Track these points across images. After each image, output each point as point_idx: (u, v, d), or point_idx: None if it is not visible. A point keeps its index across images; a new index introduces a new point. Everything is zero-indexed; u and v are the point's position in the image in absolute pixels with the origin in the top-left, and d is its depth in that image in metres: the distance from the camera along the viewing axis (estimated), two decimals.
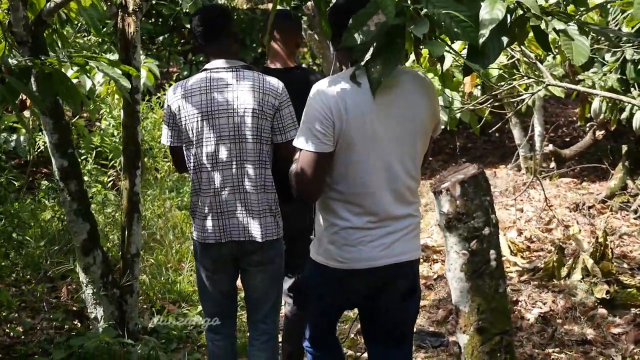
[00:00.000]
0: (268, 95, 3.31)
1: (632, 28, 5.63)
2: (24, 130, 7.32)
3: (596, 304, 5.18)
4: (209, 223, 3.34)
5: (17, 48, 3.75)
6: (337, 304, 3.08)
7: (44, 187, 6.93)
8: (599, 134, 8.81)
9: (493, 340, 2.12)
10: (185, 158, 3.42)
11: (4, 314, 4.47)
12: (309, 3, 8.96)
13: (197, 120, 3.29)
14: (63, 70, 3.21)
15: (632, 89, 7.05)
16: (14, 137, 7.30)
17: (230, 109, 3.28)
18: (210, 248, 3.37)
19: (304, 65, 3.94)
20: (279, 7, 8.80)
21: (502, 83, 5.24)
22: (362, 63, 2.62)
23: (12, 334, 4.31)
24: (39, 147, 7.30)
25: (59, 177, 3.91)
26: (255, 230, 3.32)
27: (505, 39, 2.60)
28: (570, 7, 3.81)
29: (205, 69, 3.36)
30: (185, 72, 10.43)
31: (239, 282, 3.57)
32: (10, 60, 2.91)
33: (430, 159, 6.70)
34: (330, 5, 2.92)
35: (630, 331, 4.79)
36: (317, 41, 8.76)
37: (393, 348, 3.09)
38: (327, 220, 2.84)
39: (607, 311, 5.10)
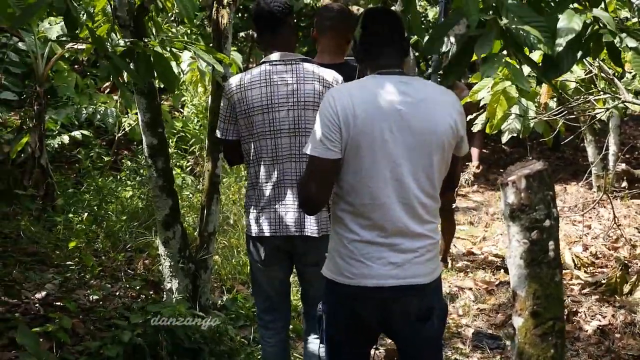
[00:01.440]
0: (327, 88, 3.27)
1: None
2: (111, 111, 7.67)
3: None
4: (265, 216, 3.32)
5: (119, 31, 4.00)
6: (350, 327, 2.78)
7: (126, 167, 7.25)
8: None
9: (546, 324, 2.26)
10: (244, 152, 3.41)
11: (87, 276, 4.77)
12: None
13: (257, 114, 3.26)
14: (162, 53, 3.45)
15: None
16: (103, 111, 7.62)
17: (290, 102, 3.26)
18: (265, 241, 3.36)
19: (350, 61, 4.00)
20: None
21: (578, 96, 5.29)
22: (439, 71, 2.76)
23: (92, 297, 4.59)
24: (124, 129, 7.66)
25: (148, 154, 4.15)
26: (312, 225, 3.30)
27: (579, 52, 2.73)
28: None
29: (265, 62, 3.35)
30: None
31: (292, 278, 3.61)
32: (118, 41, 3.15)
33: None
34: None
35: None
36: None
37: None
38: (337, 233, 2.72)
39: None
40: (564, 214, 8.67)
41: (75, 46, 6.02)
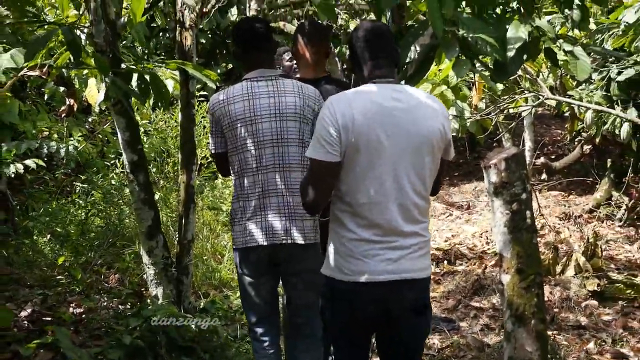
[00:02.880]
0: (308, 100, 3.46)
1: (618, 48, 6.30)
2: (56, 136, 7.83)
3: (588, 296, 5.82)
4: (251, 226, 3.40)
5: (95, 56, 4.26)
6: (351, 321, 2.91)
7: (77, 189, 7.44)
8: (586, 148, 9.47)
9: (528, 278, 2.73)
10: (230, 165, 3.52)
11: (76, 290, 5.03)
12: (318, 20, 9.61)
13: (240, 126, 3.38)
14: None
15: (615, 105, 7.75)
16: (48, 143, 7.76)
17: (272, 114, 3.38)
18: (252, 252, 3.43)
19: (332, 75, 4.29)
20: (290, 26, 9.47)
21: (505, 97, 5.87)
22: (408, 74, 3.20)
23: (75, 310, 4.83)
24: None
25: (130, 169, 4.45)
26: (297, 233, 3.39)
27: (524, 56, 3.24)
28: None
29: (246, 78, 3.47)
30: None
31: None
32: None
33: None
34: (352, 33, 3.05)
35: (619, 319, 5.44)
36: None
37: None
38: (336, 232, 2.84)
39: (597, 302, 5.74)
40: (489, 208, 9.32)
41: (28, 73, 6.22)
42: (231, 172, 3.54)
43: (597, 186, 9.59)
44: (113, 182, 7.38)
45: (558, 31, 4.13)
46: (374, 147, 2.69)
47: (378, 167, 2.71)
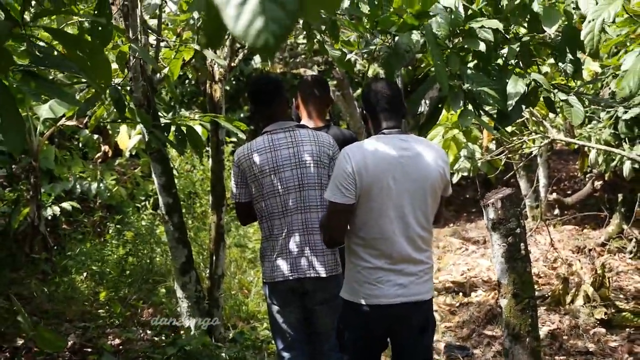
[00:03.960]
0: (323, 147, 3.77)
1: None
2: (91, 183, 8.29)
3: (596, 324, 6.12)
4: (278, 263, 3.72)
5: (137, 110, 4.68)
6: (366, 339, 3.31)
7: (109, 229, 7.87)
8: (597, 184, 9.79)
9: (523, 302, 3.10)
10: (256, 210, 3.81)
11: (115, 322, 5.42)
12: (337, 68, 10.05)
13: (266, 176, 3.69)
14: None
15: (623, 142, 8.09)
16: (85, 184, 8.23)
17: (293, 163, 3.69)
18: (279, 285, 3.74)
19: (332, 123, 4.63)
20: (310, 72, 9.94)
21: (514, 138, 6.23)
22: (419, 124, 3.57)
23: (114, 341, 5.22)
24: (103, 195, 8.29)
25: (165, 211, 4.85)
26: (320, 266, 3.70)
27: (523, 106, 3.61)
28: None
29: (266, 132, 3.78)
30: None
31: None
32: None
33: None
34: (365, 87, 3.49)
35: (625, 345, 5.73)
36: (343, 101, 9.86)
37: None
38: (352, 262, 3.23)
39: (605, 330, 6.04)
40: None
41: (67, 123, 6.69)
42: (258, 216, 3.84)
43: (609, 220, 9.89)
44: (144, 222, 7.81)
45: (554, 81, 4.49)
46: (384, 191, 3.08)
47: (387, 207, 3.09)
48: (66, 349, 5.08)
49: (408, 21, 3.37)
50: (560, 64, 3.50)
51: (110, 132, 7.52)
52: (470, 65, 3.68)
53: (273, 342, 4.05)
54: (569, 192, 12.63)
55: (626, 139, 8.06)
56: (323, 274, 3.71)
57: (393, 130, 3.20)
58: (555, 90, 3.54)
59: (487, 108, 3.67)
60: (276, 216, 3.73)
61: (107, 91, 3.74)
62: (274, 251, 3.76)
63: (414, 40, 3.35)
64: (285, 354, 3.90)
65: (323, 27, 3.98)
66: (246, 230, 8.17)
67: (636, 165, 7.72)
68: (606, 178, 8.81)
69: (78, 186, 8.12)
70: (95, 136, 8.25)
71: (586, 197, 10.72)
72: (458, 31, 3.58)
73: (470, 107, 3.54)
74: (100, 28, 2.67)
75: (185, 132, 3.93)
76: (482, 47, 3.45)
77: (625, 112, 7.65)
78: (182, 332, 5.15)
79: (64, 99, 2.46)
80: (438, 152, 3.27)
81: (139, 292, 6.28)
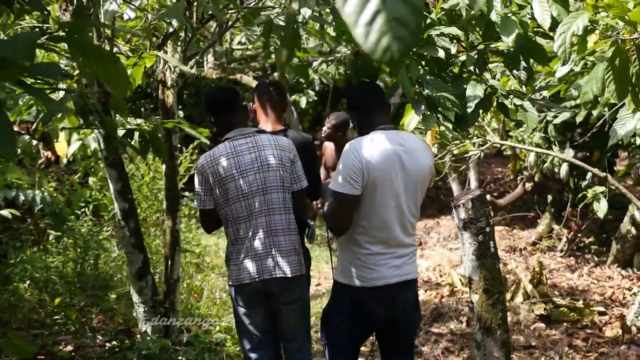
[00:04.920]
0: (284, 151, 3.87)
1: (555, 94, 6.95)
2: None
3: (536, 319, 6.39)
4: (245, 265, 3.79)
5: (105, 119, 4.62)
6: (357, 323, 3.54)
7: (49, 236, 7.74)
8: (528, 185, 10.15)
9: (494, 297, 3.27)
10: (221, 216, 3.87)
11: (70, 329, 5.37)
12: (275, 74, 10.17)
13: (230, 181, 3.76)
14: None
15: (553, 145, 8.45)
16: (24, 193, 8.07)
17: (256, 167, 3.78)
18: (245, 287, 3.82)
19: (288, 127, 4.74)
20: (246, 77, 9.96)
21: (456, 141, 6.44)
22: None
23: (74, 343, 5.18)
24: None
25: (121, 217, 4.85)
26: (286, 267, 3.79)
27: (480, 110, 3.79)
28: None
29: (227, 138, 3.87)
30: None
31: None
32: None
33: None
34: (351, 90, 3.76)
35: (564, 338, 6.00)
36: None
37: (404, 351, 3.73)
38: (350, 249, 3.46)
39: (544, 325, 6.32)
40: (441, 243, 9.92)
41: None
42: (223, 221, 3.90)
43: (538, 220, 10.28)
44: (84, 229, 7.70)
45: (512, 86, 4.70)
46: (387, 183, 3.33)
47: (388, 198, 3.35)
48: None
49: None
50: (514, 71, 3.69)
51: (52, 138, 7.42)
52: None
53: (239, 343, 4.12)
54: (495, 194, 13.02)
55: (556, 142, 8.43)
56: (289, 274, 3.80)
57: (389, 127, 3.47)
58: (511, 96, 3.71)
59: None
60: (242, 220, 3.81)
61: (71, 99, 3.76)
62: (239, 254, 3.83)
63: None
64: (253, 355, 3.97)
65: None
66: (191, 235, 8.18)
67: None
68: (536, 180, 9.14)
69: (21, 195, 7.97)
70: (34, 142, 8.11)
71: (516, 199, 11.10)
72: None
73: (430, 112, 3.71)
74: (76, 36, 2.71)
75: (148, 138, 3.96)
76: (441, 54, 3.61)
77: (555, 117, 8.00)
78: (137, 336, 5.16)
79: (49, 104, 2.50)
80: (427, 148, 3.60)
81: (87, 299, 6.22)
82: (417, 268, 3.64)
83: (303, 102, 11.88)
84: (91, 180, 9.37)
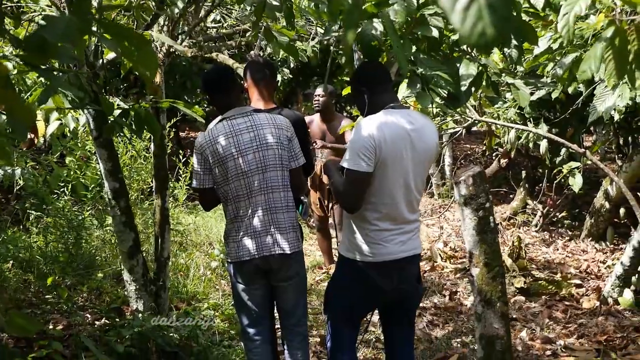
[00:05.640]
0: (282, 130, 3.91)
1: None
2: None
3: (516, 293, 6.55)
4: (244, 243, 3.85)
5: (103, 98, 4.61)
6: (363, 297, 3.67)
7: (29, 217, 7.72)
8: (503, 161, 10.32)
9: (494, 270, 3.37)
10: (221, 194, 3.93)
11: (63, 308, 5.39)
12: (252, 52, 10.16)
13: (229, 160, 3.80)
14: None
15: (528, 121, 8.59)
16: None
17: (255, 146, 3.82)
18: (245, 264, 3.87)
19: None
20: (222, 56, 9.91)
21: (437, 118, 6.54)
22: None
23: (65, 321, 5.20)
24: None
25: (112, 196, 4.84)
26: (284, 243, 3.85)
27: (473, 88, 3.87)
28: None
29: (225, 118, 3.91)
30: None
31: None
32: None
33: None
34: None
35: (544, 310, 6.17)
36: None
37: (406, 325, 3.87)
38: (358, 225, 3.54)
39: (524, 297, 6.48)
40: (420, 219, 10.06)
41: None
42: (222, 199, 3.96)
43: (512, 196, 10.46)
44: (66, 209, 7.69)
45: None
46: (397, 161, 3.40)
47: (398, 175, 3.43)
48: (9, 337, 5.03)
49: (368, 10, 3.55)
50: (505, 50, 3.77)
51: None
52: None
53: (237, 318, 4.19)
54: None
55: (531, 118, 8.58)
56: (287, 251, 3.87)
57: (397, 105, 3.54)
58: (503, 75, 3.80)
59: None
60: (242, 198, 3.86)
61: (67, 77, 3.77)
62: (239, 231, 3.88)
63: (375, 28, 3.54)
64: (251, 330, 4.06)
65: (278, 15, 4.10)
66: (172, 214, 8.21)
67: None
68: (512, 156, 9.30)
69: (1, 171, 7.91)
70: None
71: (492, 175, 11.27)
72: (409, 19, 3.80)
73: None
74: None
75: (143, 117, 3.98)
76: (435, 33, 3.68)
77: (531, 94, 8.13)
78: (127, 314, 5.20)
79: (56, 84, 2.53)
80: (433, 126, 3.68)
81: (73, 279, 6.23)
82: (421, 243, 3.75)
83: (278, 79, 11.89)
84: (68, 159, 9.33)
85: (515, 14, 3.64)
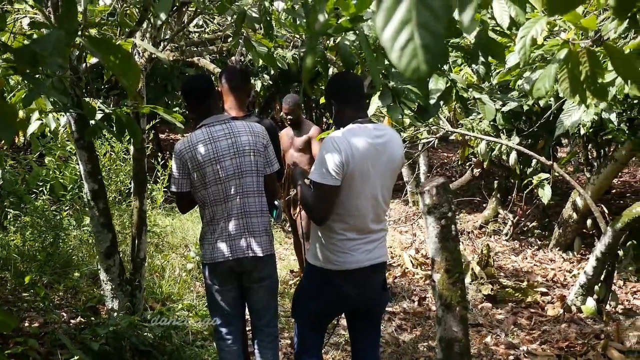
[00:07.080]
0: (257, 137, 4.05)
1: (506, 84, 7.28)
2: None
3: (483, 299, 6.74)
4: (218, 245, 3.99)
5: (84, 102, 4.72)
6: (329, 304, 3.76)
7: (9, 216, 7.80)
8: (476, 171, 10.52)
9: (454, 276, 3.53)
10: (198, 199, 4.06)
11: (40, 305, 5.49)
12: (233, 57, 10.29)
13: (207, 166, 3.93)
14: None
15: (501, 133, 8.80)
16: None
17: (232, 152, 3.95)
18: (218, 266, 4.00)
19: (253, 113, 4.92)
20: (203, 60, 9.98)
21: (412, 128, 6.71)
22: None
23: (40, 320, 5.30)
24: None
25: (91, 197, 4.95)
26: (257, 247, 4.00)
27: (441, 102, 4.04)
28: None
29: (203, 125, 4.03)
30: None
31: None
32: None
33: None
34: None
35: (510, 317, 6.36)
36: None
37: (372, 330, 3.96)
38: (326, 235, 3.62)
39: (491, 304, 6.67)
40: (392, 227, 10.23)
41: None
42: (200, 203, 4.09)
43: (484, 205, 10.68)
44: (44, 208, 7.78)
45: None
46: (364, 175, 3.50)
47: (365, 187, 3.52)
48: None
49: (343, 24, 3.72)
50: (473, 65, 3.95)
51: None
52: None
53: (210, 318, 4.32)
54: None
55: (503, 130, 8.78)
56: (260, 254, 4.01)
57: (366, 120, 3.63)
58: (470, 90, 3.97)
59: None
60: (218, 202, 3.99)
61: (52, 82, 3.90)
62: (214, 234, 4.02)
63: (351, 41, 3.71)
64: (223, 329, 4.20)
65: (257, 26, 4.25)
66: (149, 216, 8.32)
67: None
68: (485, 166, 9.50)
69: None
70: None
71: (467, 183, 11.48)
72: None
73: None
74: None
75: (124, 122, 4.10)
76: None
77: (504, 105, 8.34)
78: (102, 313, 5.32)
79: (39, 88, 2.67)
80: (399, 138, 3.77)
81: (50, 277, 6.33)
82: (387, 251, 3.84)
83: (258, 85, 12.04)
84: (47, 159, 9.41)
85: (483, 32, 3.85)
